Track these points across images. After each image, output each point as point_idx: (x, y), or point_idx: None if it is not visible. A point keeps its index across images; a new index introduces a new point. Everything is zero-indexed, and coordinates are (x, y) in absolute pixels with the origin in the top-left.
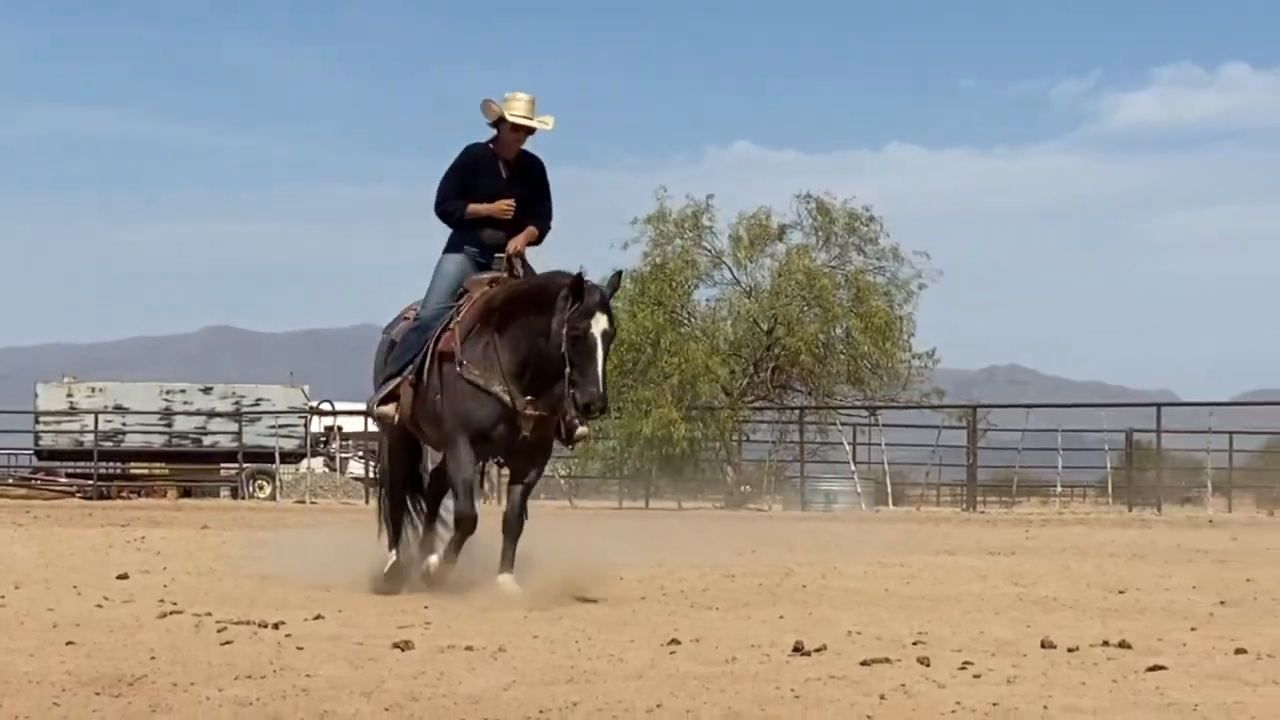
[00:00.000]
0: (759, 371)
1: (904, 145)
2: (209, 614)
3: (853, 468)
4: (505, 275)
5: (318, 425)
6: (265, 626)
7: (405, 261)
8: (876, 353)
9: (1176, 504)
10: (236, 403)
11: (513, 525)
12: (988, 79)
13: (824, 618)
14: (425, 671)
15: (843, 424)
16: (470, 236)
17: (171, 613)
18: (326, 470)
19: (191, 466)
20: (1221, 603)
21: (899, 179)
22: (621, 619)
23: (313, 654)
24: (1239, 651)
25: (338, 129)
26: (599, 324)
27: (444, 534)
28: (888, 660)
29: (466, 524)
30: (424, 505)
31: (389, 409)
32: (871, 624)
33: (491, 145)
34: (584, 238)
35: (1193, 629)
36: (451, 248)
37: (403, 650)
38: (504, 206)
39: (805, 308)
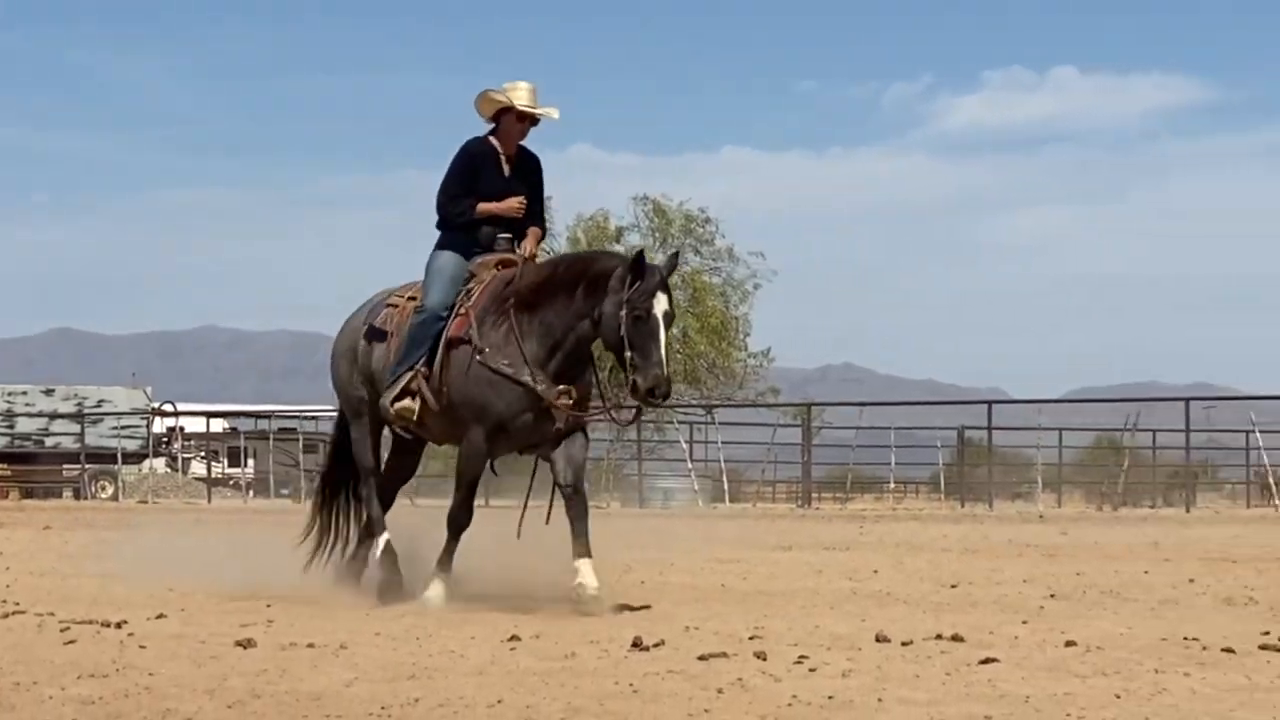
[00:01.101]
0: (597, 371)
1: (740, 148)
2: (51, 614)
3: (690, 466)
4: (517, 256)
5: (160, 426)
6: (108, 626)
7: (245, 262)
8: (713, 352)
9: (1008, 499)
10: (79, 404)
11: (580, 508)
12: (823, 82)
13: (662, 613)
14: (268, 669)
15: (680, 423)
16: (469, 235)
17: (14, 613)
18: (169, 470)
19: (34, 468)
20: (1052, 596)
21: (735, 181)
22: (463, 616)
23: (155, 652)
24: (1069, 644)
25: (178, 132)
26: (660, 304)
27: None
28: (725, 655)
29: (459, 527)
30: (365, 509)
31: (409, 404)
32: (709, 619)
33: (492, 140)
34: (424, 241)
35: (1024, 622)
36: (446, 245)
37: (245, 648)
38: (515, 205)
39: None
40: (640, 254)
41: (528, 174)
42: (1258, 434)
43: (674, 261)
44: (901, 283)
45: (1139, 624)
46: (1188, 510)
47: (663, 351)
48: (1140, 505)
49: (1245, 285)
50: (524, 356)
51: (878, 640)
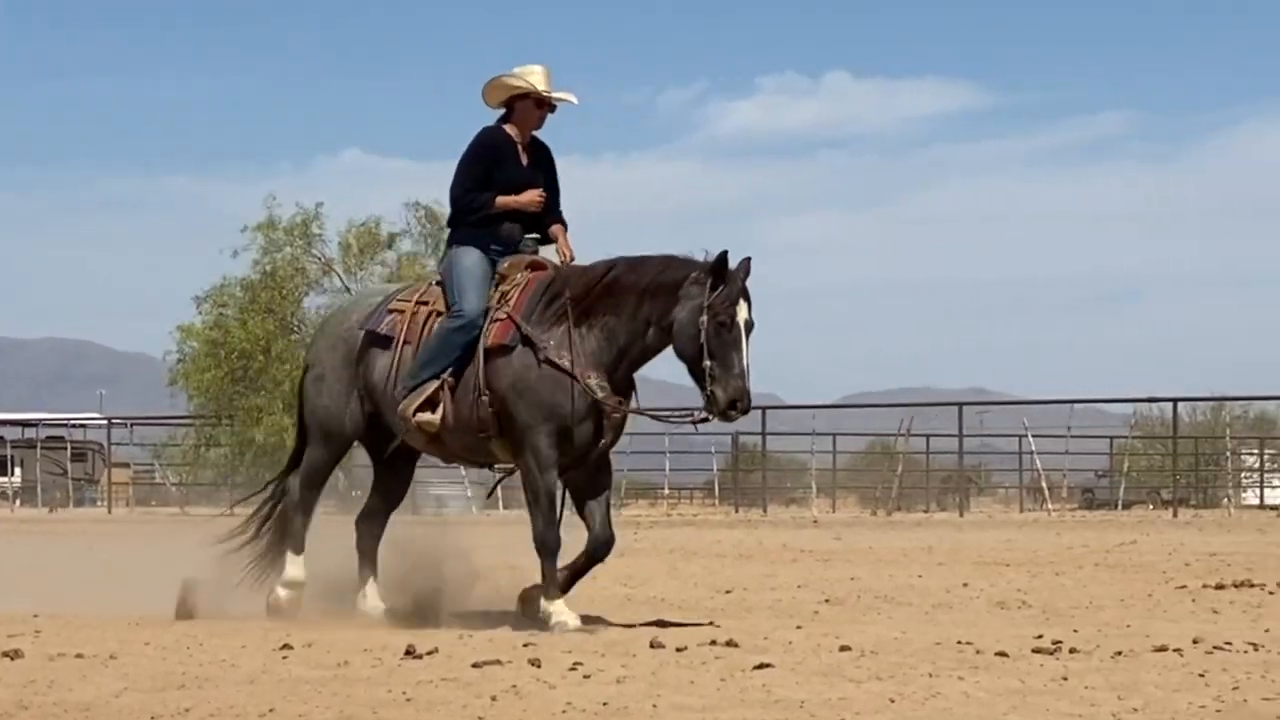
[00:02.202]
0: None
1: None
2: None
3: (463, 472)
4: (552, 258)
5: None
6: None
7: (10, 268)
8: None
9: (782, 505)
10: None
11: (603, 550)
12: (596, 88)
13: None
14: (35, 680)
15: None
16: (488, 231)
17: None
18: None
19: None
20: (826, 601)
21: None
22: (233, 625)
23: None
24: (843, 649)
25: None
26: (743, 312)
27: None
28: (499, 662)
29: (552, 550)
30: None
31: (431, 416)
32: (483, 626)
33: (507, 128)
34: (195, 244)
35: (798, 627)
36: (464, 241)
37: (12, 659)
38: (536, 199)
39: None
40: (724, 256)
41: (544, 164)
42: (1030, 438)
43: (748, 266)
44: None
45: (913, 628)
46: (961, 514)
47: (746, 362)
48: (914, 510)
49: (1018, 290)
50: (587, 359)
51: (652, 646)
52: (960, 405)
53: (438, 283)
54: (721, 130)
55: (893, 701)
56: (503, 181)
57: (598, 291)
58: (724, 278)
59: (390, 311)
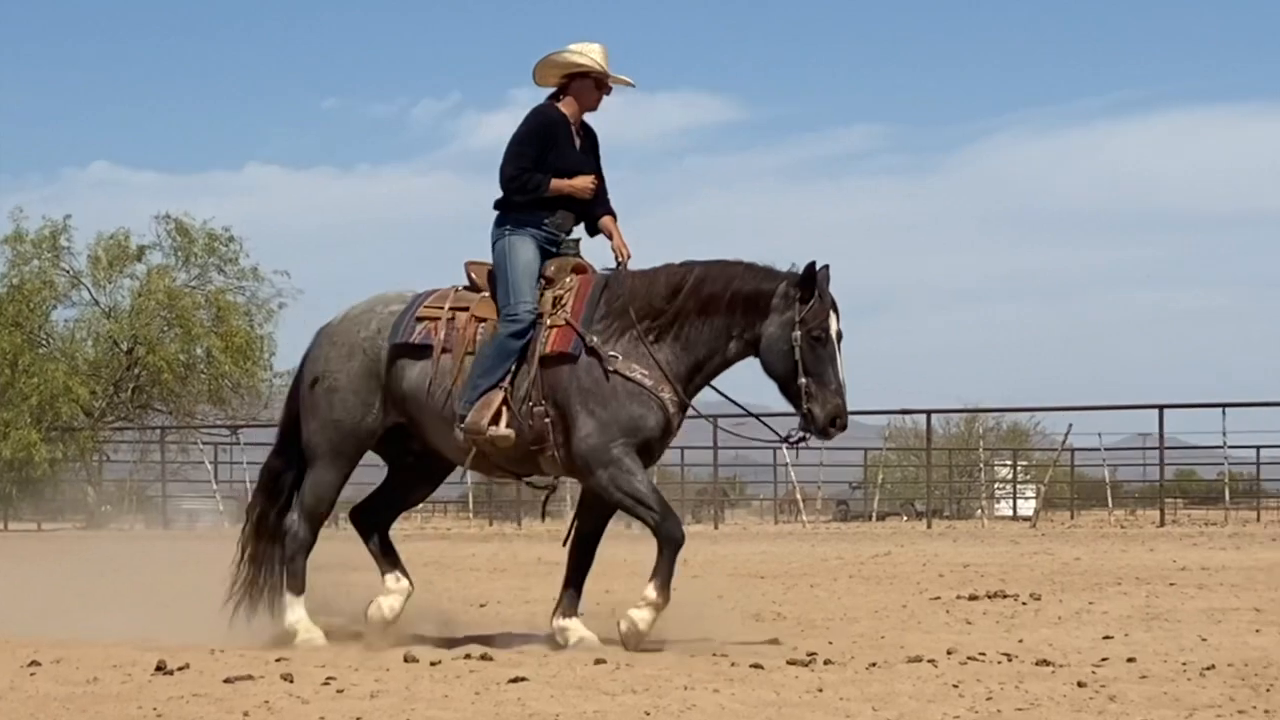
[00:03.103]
0: (120, 392)
1: (264, 165)
2: None
3: (215, 486)
4: (613, 252)
5: None
6: None
7: None
8: (237, 372)
9: (537, 518)
10: None
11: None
12: (348, 99)
13: (187, 636)
14: None
15: (204, 443)
16: (537, 216)
17: None
18: None
19: None
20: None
21: (260, 199)
22: None
23: None
24: (599, 662)
25: None
26: (835, 324)
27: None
28: (251, 677)
29: (675, 532)
30: (293, 560)
31: (505, 430)
32: (235, 642)
33: (561, 107)
34: None
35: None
36: (515, 226)
37: None
38: (589, 184)
39: (166, 328)
40: (812, 267)
41: (593, 148)
42: (785, 450)
43: (828, 274)
44: None
45: (668, 641)
46: (716, 527)
47: (842, 377)
48: None
49: None
50: (661, 370)
51: (406, 660)
52: (715, 418)
53: (466, 286)
54: (475, 142)
55: (648, 714)
56: (556, 164)
57: (674, 302)
58: (814, 289)
59: (419, 320)
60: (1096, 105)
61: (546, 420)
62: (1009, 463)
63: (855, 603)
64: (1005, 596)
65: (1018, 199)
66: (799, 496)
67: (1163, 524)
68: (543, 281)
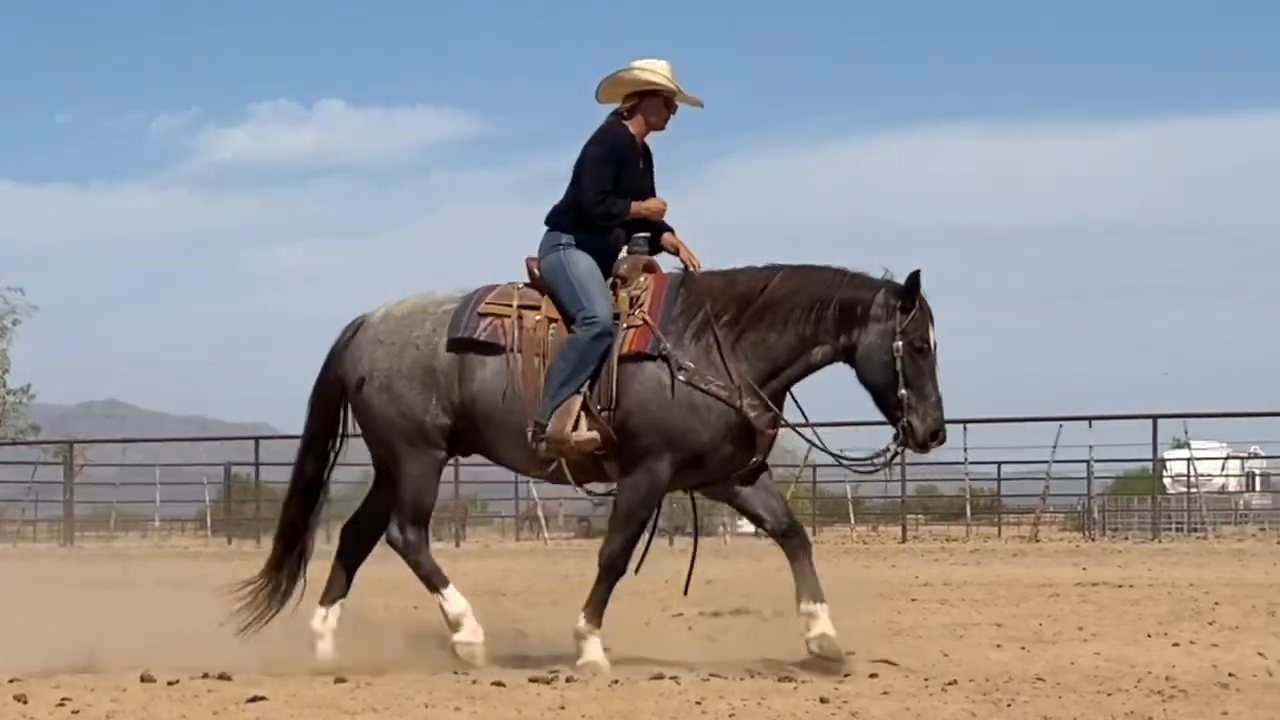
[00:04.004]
0: None
1: None
2: None
3: None
4: (685, 266)
5: None
6: None
7: None
8: None
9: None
10: None
11: (803, 547)
12: (82, 114)
13: None
14: None
15: None
16: (601, 241)
17: None
18: None
19: None
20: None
21: None
22: None
23: None
24: (339, 680)
25: None
26: (933, 335)
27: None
28: None
29: (618, 573)
30: (419, 564)
31: (591, 435)
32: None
33: (630, 128)
34: None
35: (293, 659)
36: (567, 245)
37: None
38: (663, 207)
39: None
40: (916, 276)
41: (650, 168)
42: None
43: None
44: (169, 317)
45: (414, 658)
46: (458, 544)
47: (940, 390)
48: None
49: None
50: (731, 377)
51: (143, 680)
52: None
53: (526, 284)
54: (214, 158)
55: None
56: (626, 185)
57: (755, 304)
58: (915, 299)
59: (484, 316)
60: (836, 122)
61: (613, 425)
62: None
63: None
64: (748, 613)
65: (759, 215)
66: (540, 513)
67: (904, 540)
68: (616, 281)
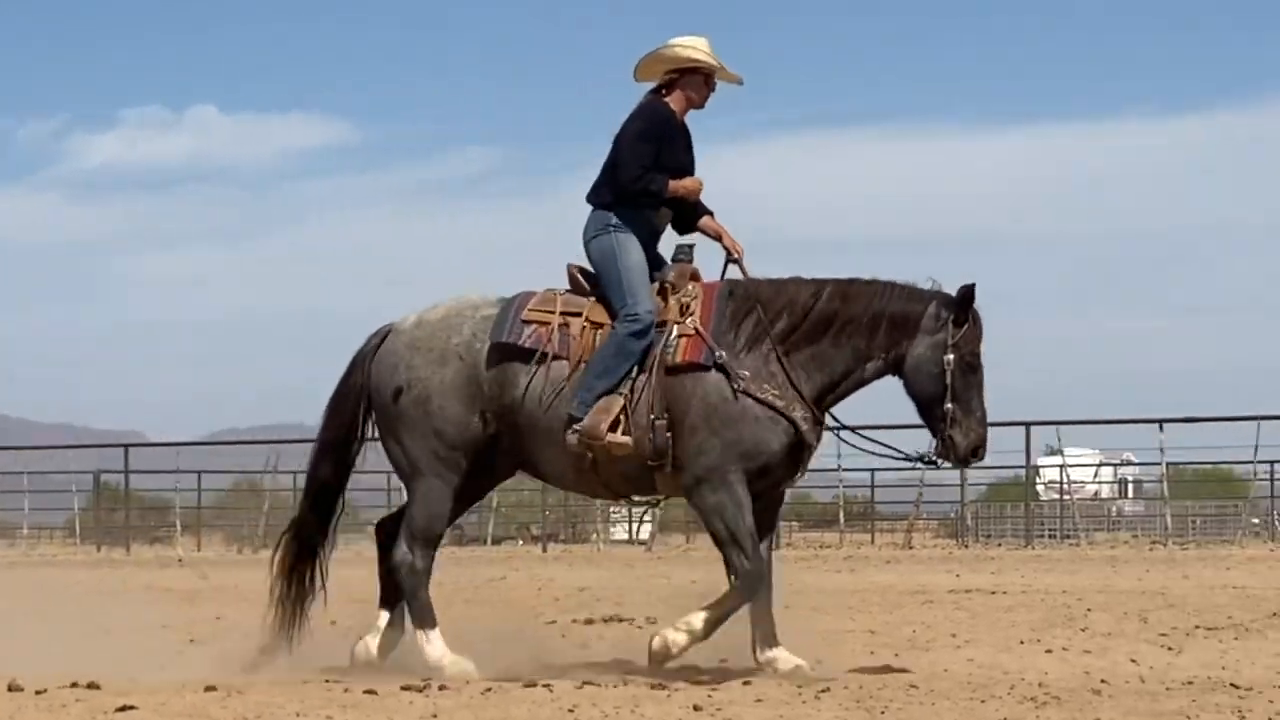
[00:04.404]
0: None
1: None
2: None
3: None
4: (726, 251)
5: None
6: None
7: None
8: None
9: (146, 544)
10: None
11: (771, 588)
12: None
13: None
14: None
15: None
16: (644, 215)
17: None
18: None
19: None
20: (192, 641)
21: None
22: None
23: None
24: (209, 689)
25: None
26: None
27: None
28: None
29: (756, 584)
30: (414, 596)
31: (624, 438)
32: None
33: (671, 104)
34: None
35: (162, 667)
36: (621, 223)
37: None
38: (700, 186)
39: None
40: (970, 290)
41: (690, 147)
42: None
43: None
44: (37, 325)
45: (283, 666)
46: (329, 552)
47: (986, 406)
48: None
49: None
50: (796, 390)
51: (11, 689)
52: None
53: (567, 290)
54: (84, 164)
55: None
56: (668, 163)
57: (811, 316)
58: (968, 313)
59: (526, 323)
60: (708, 130)
61: (668, 435)
62: None
63: (471, 627)
64: (621, 620)
65: None
66: None
67: (778, 546)
68: (668, 287)
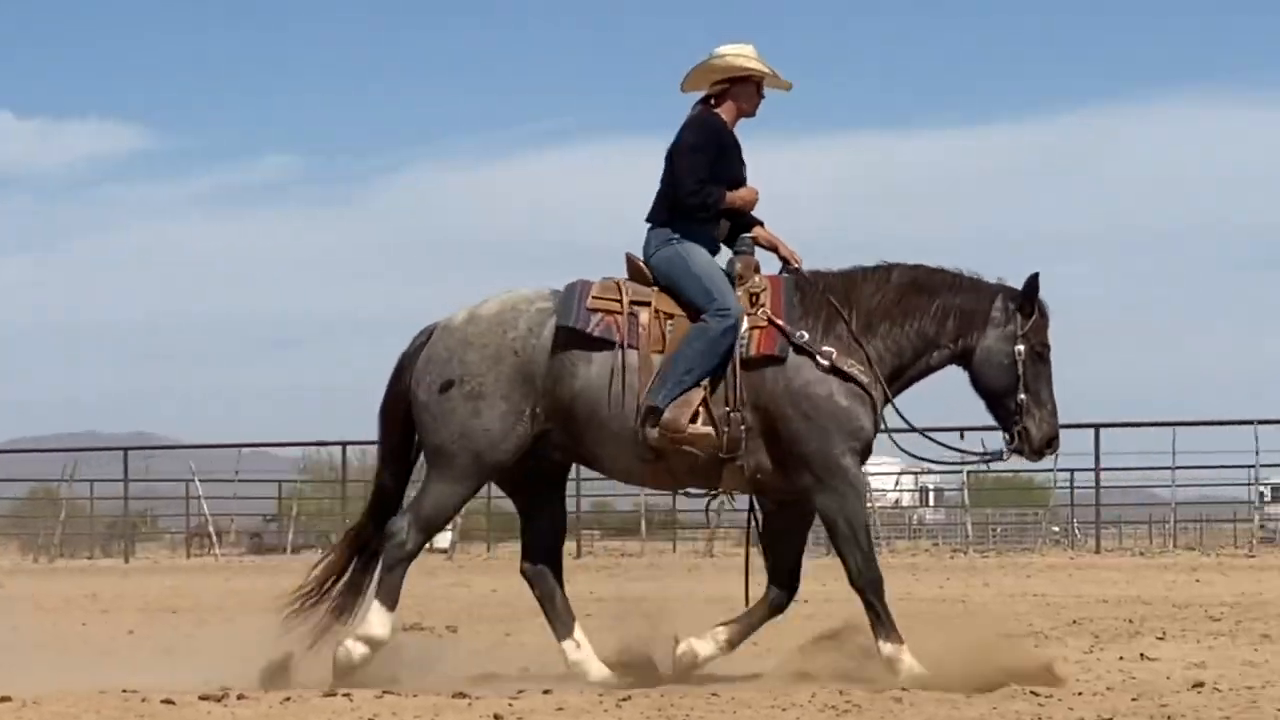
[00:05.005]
0: None
1: None
2: None
3: None
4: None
5: None
6: None
7: None
8: None
9: None
10: None
11: (786, 600)
12: None
13: None
14: None
15: None
16: (707, 227)
17: None
18: None
19: None
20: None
21: None
22: None
23: None
24: (4, 699)
25: None
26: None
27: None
28: None
29: (881, 586)
30: (389, 574)
31: (706, 430)
32: None
33: (722, 115)
34: None
35: None
36: (683, 236)
37: None
38: (755, 197)
39: None
40: (1036, 281)
41: (743, 159)
42: (198, 483)
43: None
44: None
45: (78, 677)
46: (127, 560)
47: (1056, 398)
48: (79, 556)
49: (183, 333)
50: (876, 374)
51: None
52: (125, 450)
53: (627, 279)
54: None
55: None
56: (722, 175)
57: (882, 303)
58: (1035, 304)
59: (592, 310)
60: (517, 136)
61: (743, 429)
62: None
63: (270, 638)
64: (422, 629)
65: (431, 227)
66: (212, 530)
67: (579, 555)
68: (735, 279)
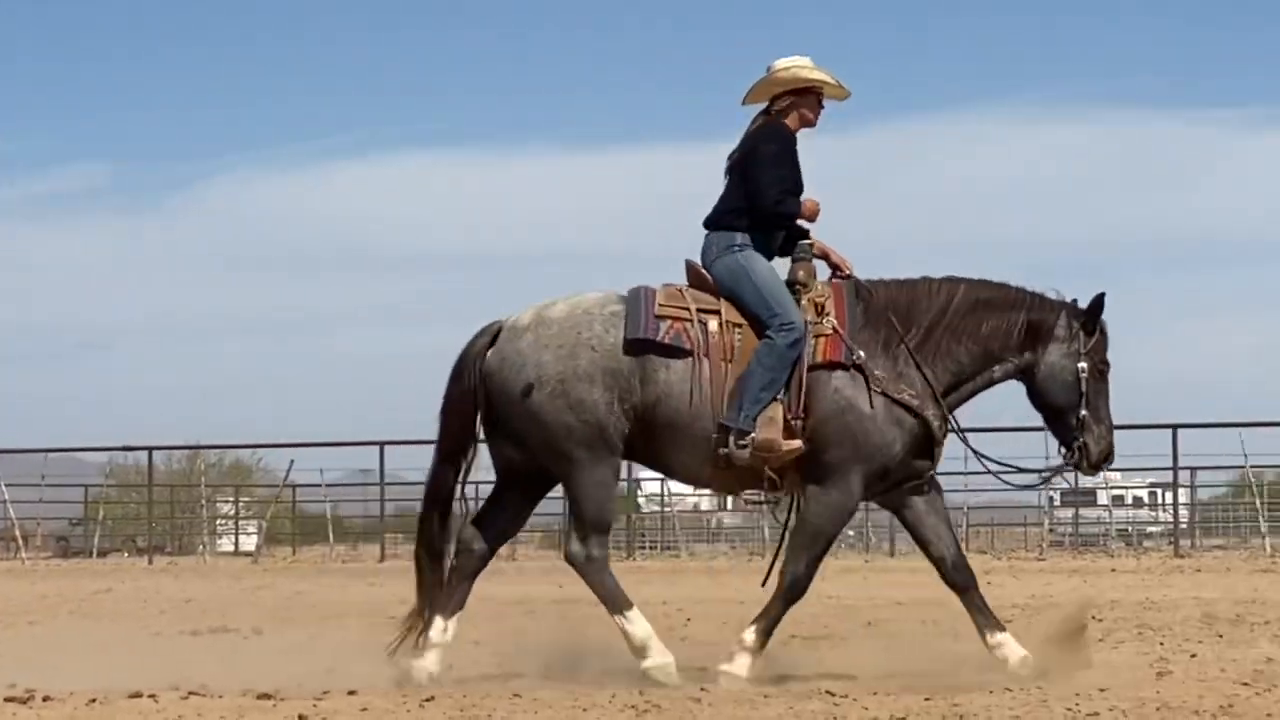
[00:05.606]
0: None
1: None
2: None
3: None
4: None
5: None
6: None
7: None
8: None
9: None
10: None
11: (964, 574)
12: None
13: None
14: None
15: None
16: (768, 238)
17: None
18: None
19: None
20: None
21: None
22: None
23: None
24: None
25: None
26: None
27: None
28: None
29: (799, 596)
30: (600, 581)
31: (797, 443)
32: None
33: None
34: None
35: None
36: (745, 244)
37: None
38: (816, 207)
39: None
40: (1102, 300)
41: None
42: (4, 487)
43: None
44: None
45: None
46: None
47: (1112, 415)
48: None
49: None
50: (930, 388)
51: None
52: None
53: (689, 286)
54: None
55: None
56: (798, 187)
57: (946, 316)
58: (1098, 321)
59: (664, 319)
60: (330, 145)
61: (806, 434)
62: (231, 499)
63: (74, 640)
64: (228, 631)
65: (247, 237)
66: (18, 533)
67: (383, 559)
68: (799, 288)
